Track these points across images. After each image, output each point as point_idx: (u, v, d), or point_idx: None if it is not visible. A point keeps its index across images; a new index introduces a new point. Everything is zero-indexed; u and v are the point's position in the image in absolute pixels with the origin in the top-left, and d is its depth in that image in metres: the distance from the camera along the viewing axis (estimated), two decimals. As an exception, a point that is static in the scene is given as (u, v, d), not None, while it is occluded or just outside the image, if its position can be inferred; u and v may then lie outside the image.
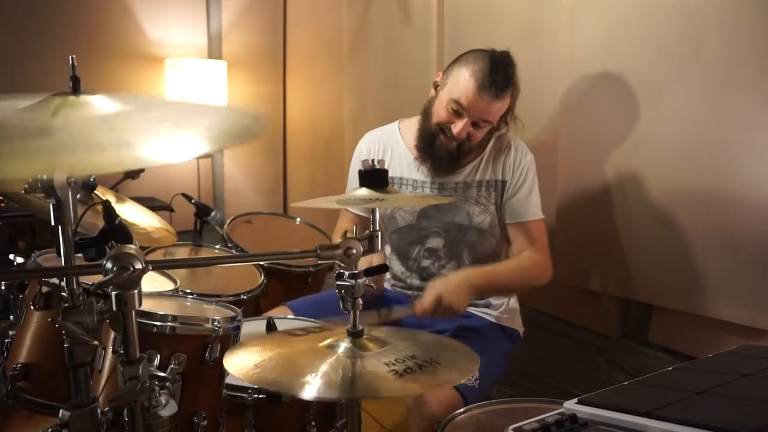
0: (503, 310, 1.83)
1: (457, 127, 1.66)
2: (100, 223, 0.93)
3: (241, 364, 1.05)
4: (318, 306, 1.81)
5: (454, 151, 1.72)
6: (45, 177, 0.81)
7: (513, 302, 1.88)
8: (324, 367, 1.01)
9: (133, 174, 2.48)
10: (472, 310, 1.81)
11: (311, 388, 0.96)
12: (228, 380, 1.30)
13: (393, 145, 1.87)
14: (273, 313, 1.82)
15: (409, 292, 1.86)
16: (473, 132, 1.69)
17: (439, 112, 1.70)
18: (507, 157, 1.78)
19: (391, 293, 1.90)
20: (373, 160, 1.19)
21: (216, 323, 1.25)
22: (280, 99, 3.73)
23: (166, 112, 0.85)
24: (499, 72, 1.63)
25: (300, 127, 3.69)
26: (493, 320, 1.81)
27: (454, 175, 1.78)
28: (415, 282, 1.85)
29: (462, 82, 1.65)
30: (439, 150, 1.73)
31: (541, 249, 1.76)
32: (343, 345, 1.09)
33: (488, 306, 1.83)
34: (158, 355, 1.16)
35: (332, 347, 1.09)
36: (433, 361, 1.06)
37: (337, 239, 2.03)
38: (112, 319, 0.84)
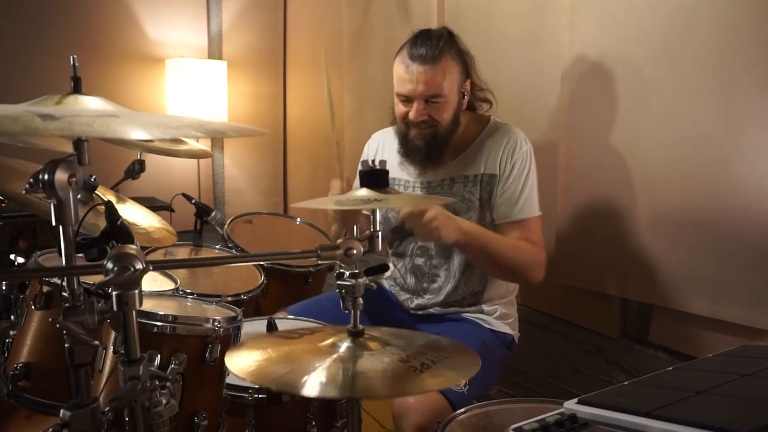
0: (497, 315, 1.79)
1: (412, 111, 1.65)
2: (102, 223, 0.93)
3: (242, 364, 1.06)
4: (317, 308, 1.81)
5: (430, 140, 1.67)
6: (46, 177, 0.81)
7: (508, 308, 1.83)
8: (325, 366, 1.03)
9: (134, 174, 2.49)
10: (465, 315, 1.78)
11: (312, 387, 0.97)
12: (228, 380, 1.30)
13: (388, 145, 1.87)
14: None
15: (406, 295, 1.85)
16: (433, 112, 1.64)
17: (398, 112, 1.71)
18: (497, 148, 1.70)
19: (389, 293, 1.90)
20: (373, 161, 1.20)
21: (216, 323, 1.25)
22: (280, 99, 3.73)
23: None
24: (418, 43, 1.62)
25: (300, 127, 3.68)
26: (486, 325, 1.77)
27: (440, 171, 1.75)
28: (411, 281, 1.83)
29: (396, 73, 1.67)
30: (414, 145, 1.70)
31: (538, 244, 1.68)
32: (344, 345, 1.10)
33: (481, 312, 1.78)
34: (158, 355, 1.17)
35: (333, 347, 1.10)
36: (434, 362, 1.07)
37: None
38: (113, 319, 0.84)
